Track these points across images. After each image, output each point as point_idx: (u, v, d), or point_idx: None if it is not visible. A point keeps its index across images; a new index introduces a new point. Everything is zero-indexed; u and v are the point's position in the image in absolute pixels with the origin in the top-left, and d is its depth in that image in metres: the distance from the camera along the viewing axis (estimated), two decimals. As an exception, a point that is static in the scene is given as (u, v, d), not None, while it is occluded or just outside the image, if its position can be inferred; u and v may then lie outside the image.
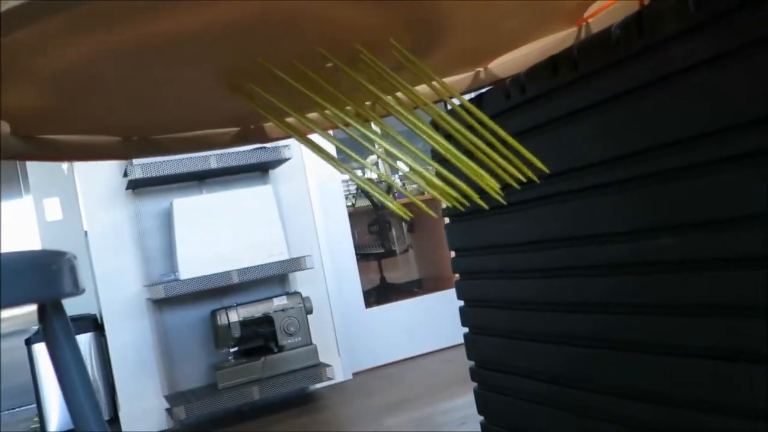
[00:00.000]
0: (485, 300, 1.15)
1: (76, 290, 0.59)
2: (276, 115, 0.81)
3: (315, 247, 2.96)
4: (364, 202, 4.25)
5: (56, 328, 0.63)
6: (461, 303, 1.23)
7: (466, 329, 1.22)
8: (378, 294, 3.92)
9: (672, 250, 0.75)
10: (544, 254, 0.98)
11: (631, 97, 0.77)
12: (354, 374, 3.03)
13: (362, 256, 3.92)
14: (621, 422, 0.87)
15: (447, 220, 1.24)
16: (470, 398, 2.25)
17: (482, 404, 1.20)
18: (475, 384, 1.22)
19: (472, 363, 1.22)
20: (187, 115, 0.92)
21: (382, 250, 4.15)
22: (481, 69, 1.02)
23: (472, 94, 1.08)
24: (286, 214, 2.90)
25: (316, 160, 3.00)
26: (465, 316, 1.21)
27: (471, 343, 1.21)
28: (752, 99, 0.63)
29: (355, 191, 4.05)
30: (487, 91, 1.03)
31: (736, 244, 0.68)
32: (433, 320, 3.23)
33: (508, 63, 1.00)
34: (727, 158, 0.68)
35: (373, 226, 4.18)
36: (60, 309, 0.63)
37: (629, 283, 0.83)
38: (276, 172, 2.90)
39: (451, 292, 3.28)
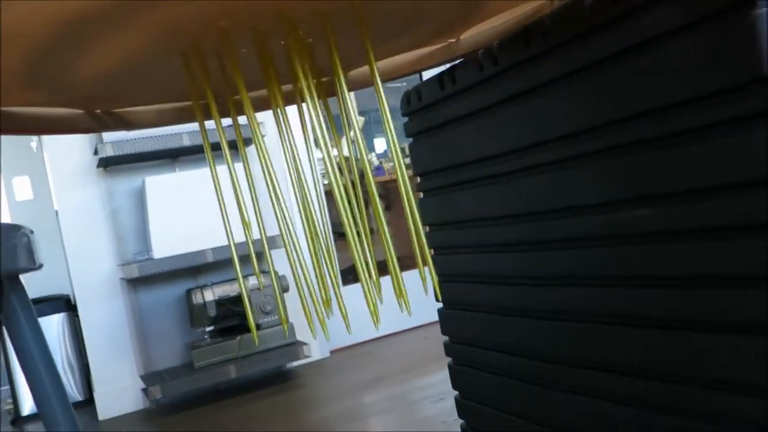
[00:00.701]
0: (459, 275, 1.15)
1: (33, 265, 0.57)
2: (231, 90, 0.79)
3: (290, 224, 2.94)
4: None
5: (15, 304, 0.61)
6: (436, 278, 1.22)
7: (441, 304, 1.22)
8: (354, 272, 3.91)
9: (646, 222, 0.75)
10: (516, 227, 0.97)
11: (603, 66, 0.76)
12: (331, 352, 3.04)
13: (339, 234, 3.91)
14: (594, 395, 0.87)
15: (421, 194, 1.23)
16: (447, 374, 2.27)
17: (456, 379, 1.20)
18: (449, 359, 1.22)
19: (447, 338, 1.22)
20: (149, 87, 0.89)
21: (359, 229, 4.13)
22: (453, 40, 1.00)
23: (443, 68, 1.06)
24: (260, 192, 2.88)
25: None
26: (439, 290, 1.20)
27: (445, 318, 1.21)
28: (726, 67, 0.63)
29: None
30: (459, 63, 1.01)
31: (711, 214, 0.68)
32: (410, 298, 3.23)
33: (481, 34, 0.98)
34: (700, 127, 0.67)
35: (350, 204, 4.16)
36: (18, 284, 0.61)
37: (602, 256, 0.82)
38: (250, 149, 2.87)
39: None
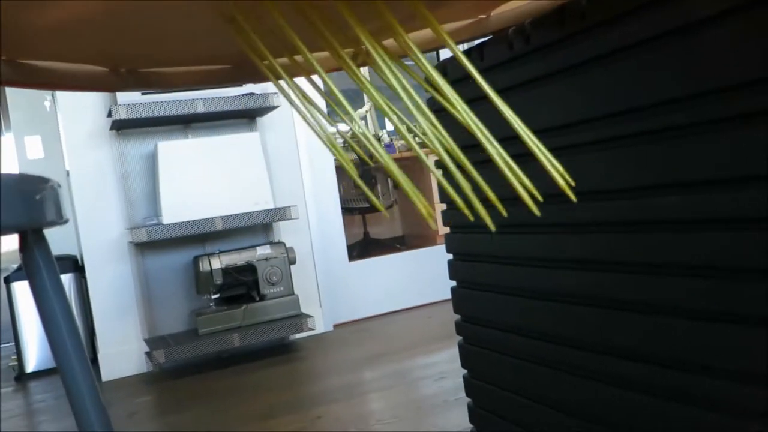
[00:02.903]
0: (474, 254, 1.14)
1: (60, 219, 0.57)
2: (266, 54, 0.77)
3: (300, 197, 2.93)
4: (351, 156, 4.21)
5: (38, 258, 0.60)
6: (450, 256, 1.21)
7: (454, 283, 1.21)
8: (361, 248, 3.91)
9: (674, 209, 0.74)
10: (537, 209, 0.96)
11: (641, 49, 0.75)
12: (334, 326, 3.04)
13: (346, 210, 3.91)
14: (605, 380, 0.87)
15: (440, 171, 1.22)
16: (449, 354, 2.27)
17: (466, 358, 1.20)
18: (459, 338, 1.22)
19: (458, 317, 1.22)
20: (179, 48, 0.88)
21: (367, 205, 4.13)
22: (484, 16, 0.99)
23: (469, 44, 1.05)
24: (272, 163, 2.87)
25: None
26: (453, 270, 1.20)
27: (458, 297, 1.21)
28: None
29: (342, 144, 4.01)
30: (488, 40, 1.00)
31: (747, 204, 0.67)
32: (415, 277, 3.23)
33: (513, 12, 0.97)
34: (738, 116, 0.66)
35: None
36: (42, 239, 0.61)
37: (620, 241, 0.82)
38: (264, 120, 2.86)
39: (434, 250, 3.29)
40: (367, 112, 3.97)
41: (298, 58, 1.00)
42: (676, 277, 0.74)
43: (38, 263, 0.60)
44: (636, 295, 0.80)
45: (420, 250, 3.31)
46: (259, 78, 1.03)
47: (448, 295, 3.24)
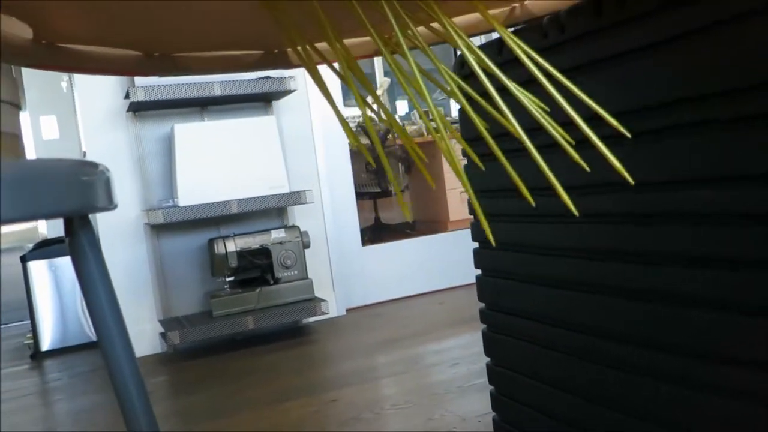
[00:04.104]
0: (499, 242, 1.14)
1: (110, 205, 0.57)
2: (299, 40, 0.78)
3: (315, 182, 2.94)
4: (363, 141, 4.20)
5: (84, 243, 0.61)
6: (476, 245, 1.22)
7: (479, 271, 1.22)
8: (372, 233, 3.92)
9: (697, 202, 0.74)
10: (558, 199, 0.96)
11: (682, 41, 0.75)
12: (347, 310, 3.06)
13: (358, 195, 3.92)
14: (626, 368, 0.87)
15: (465, 161, 1.22)
16: (462, 340, 2.29)
17: (489, 345, 1.21)
18: (483, 326, 1.22)
19: (482, 305, 1.22)
20: (212, 32, 0.88)
21: (378, 190, 4.13)
22: (517, 5, 0.98)
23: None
24: (287, 147, 2.87)
25: (320, 94, 2.95)
26: (478, 258, 1.20)
27: (482, 285, 1.21)
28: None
29: (355, 128, 4.01)
30: (522, 28, 1.00)
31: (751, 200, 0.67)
32: (427, 262, 3.24)
33: (547, 1, 0.96)
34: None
35: (370, 165, 4.15)
36: (88, 223, 0.61)
37: (645, 233, 0.82)
38: (279, 104, 2.85)
39: (446, 236, 3.30)
40: (380, 96, 3.95)
41: (323, 45, 1.00)
42: (696, 269, 0.74)
43: (84, 247, 0.60)
44: (663, 287, 0.80)
45: (432, 236, 3.31)
46: (289, 64, 1.03)
47: (459, 282, 3.25)
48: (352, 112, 3.88)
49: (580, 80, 0.90)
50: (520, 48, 0.66)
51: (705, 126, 0.74)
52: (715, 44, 0.71)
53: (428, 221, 4.20)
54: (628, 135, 0.69)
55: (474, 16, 0.97)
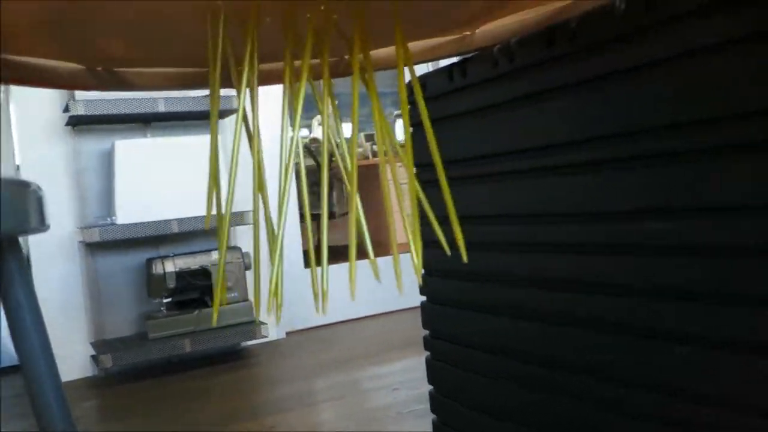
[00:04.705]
0: (445, 270, 1.14)
1: (42, 226, 0.54)
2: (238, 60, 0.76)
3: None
4: (308, 162, 4.18)
5: (12, 266, 0.57)
6: (422, 271, 1.21)
7: (424, 297, 1.21)
8: (315, 255, 3.88)
9: (653, 234, 0.75)
10: (510, 228, 0.97)
11: (629, 75, 0.76)
12: (288, 333, 3.01)
13: (302, 216, 3.88)
14: (576, 400, 0.87)
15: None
16: (405, 364, 2.27)
17: (433, 374, 1.19)
18: (427, 353, 1.21)
19: (426, 332, 1.21)
20: (158, 49, 0.86)
21: (319, 211, 4.10)
22: (468, 33, 0.98)
23: (453, 60, 1.04)
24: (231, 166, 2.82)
25: (265, 114, 2.92)
26: (423, 284, 1.19)
27: (427, 312, 1.20)
28: (761, 88, 0.63)
29: (303, 150, 3.98)
30: (471, 56, 1.00)
31: (722, 232, 0.68)
32: (372, 285, 3.22)
33: (497, 30, 0.97)
34: (724, 147, 0.67)
35: (315, 186, 4.13)
36: (17, 246, 0.58)
37: (592, 263, 0.82)
38: (225, 122, 2.81)
39: (391, 259, 3.28)
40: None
41: (272, 65, 0.98)
42: (642, 298, 0.75)
43: (12, 272, 0.57)
44: (606, 315, 0.81)
45: (377, 259, 3.29)
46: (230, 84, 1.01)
47: (403, 305, 3.24)
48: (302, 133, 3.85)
49: (530, 109, 0.90)
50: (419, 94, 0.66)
51: (655, 158, 0.74)
52: (666, 77, 0.72)
53: (374, 243, 4.19)
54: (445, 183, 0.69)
55: (421, 44, 0.97)
